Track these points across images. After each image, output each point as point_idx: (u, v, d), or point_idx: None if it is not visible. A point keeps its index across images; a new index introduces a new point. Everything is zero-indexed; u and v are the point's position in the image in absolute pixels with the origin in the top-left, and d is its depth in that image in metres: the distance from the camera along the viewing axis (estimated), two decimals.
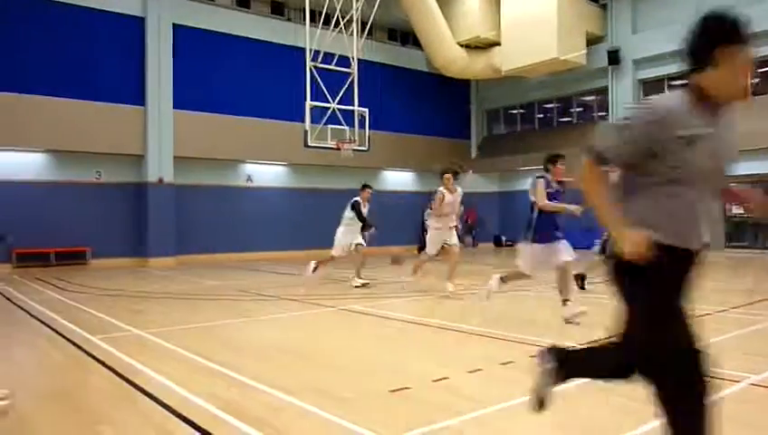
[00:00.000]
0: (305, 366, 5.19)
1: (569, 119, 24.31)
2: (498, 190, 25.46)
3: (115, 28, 17.61)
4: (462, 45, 22.27)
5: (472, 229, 24.37)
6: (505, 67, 21.64)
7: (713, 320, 6.86)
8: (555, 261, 6.89)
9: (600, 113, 22.82)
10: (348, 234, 11.16)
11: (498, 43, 21.80)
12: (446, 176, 9.39)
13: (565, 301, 6.85)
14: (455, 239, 9.63)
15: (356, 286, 10.71)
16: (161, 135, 18.10)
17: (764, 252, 18.11)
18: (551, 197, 6.87)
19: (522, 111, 25.86)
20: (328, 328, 7.33)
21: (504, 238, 24.65)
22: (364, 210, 11.13)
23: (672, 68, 20.38)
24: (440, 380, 4.52)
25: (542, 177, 7.01)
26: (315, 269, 11.34)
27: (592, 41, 21.39)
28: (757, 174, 18.46)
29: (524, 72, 22.11)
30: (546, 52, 20.14)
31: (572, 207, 6.64)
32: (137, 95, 17.89)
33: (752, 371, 4.56)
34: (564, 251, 6.85)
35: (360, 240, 11.14)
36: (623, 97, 21.33)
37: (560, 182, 7.00)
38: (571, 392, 4.16)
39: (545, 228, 6.88)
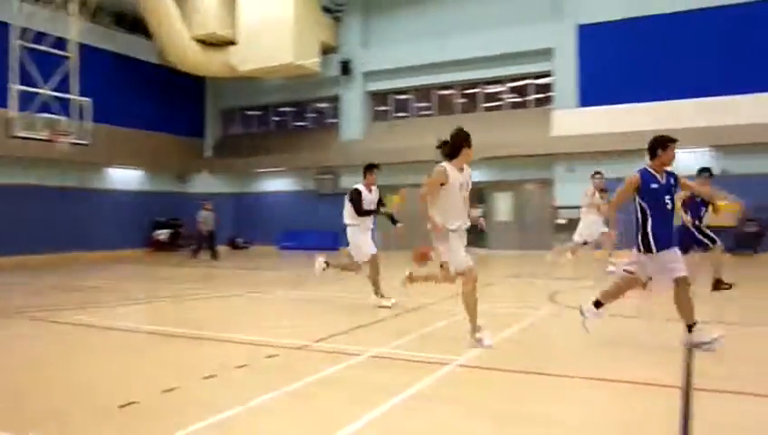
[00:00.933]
0: (21, 393, 4.48)
1: (303, 123, 25.10)
2: (233, 192, 25.09)
3: None
4: (197, 40, 21.55)
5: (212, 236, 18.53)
6: (242, 67, 21.55)
7: (426, 312, 7.68)
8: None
9: (332, 120, 23.98)
10: (361, 235, 8.29)
11: (235, 42, 21.60)
12: (470, 148, 5.84)
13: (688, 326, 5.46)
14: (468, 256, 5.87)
15: (385, 306, 8.00)
16: None
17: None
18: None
19: (258, 112, 25.96)
20: (41, 345, 6.41)
21: (240, 240, 24.32)
22: (371, 196, 8.26)
23: (397, 83, 22.40)
24: (171, 390, 4.30)
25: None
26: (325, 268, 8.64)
27: (327, 50, 22.39)
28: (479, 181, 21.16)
29: (261, 74, 22.28)
30: (282, 56, 20.57)
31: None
32: None
33: (458, 353, 5.22)
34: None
35: (373, 247, 8.35)
36: (353, 106, 22.76)
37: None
38: (307, 388, 4.31)
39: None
